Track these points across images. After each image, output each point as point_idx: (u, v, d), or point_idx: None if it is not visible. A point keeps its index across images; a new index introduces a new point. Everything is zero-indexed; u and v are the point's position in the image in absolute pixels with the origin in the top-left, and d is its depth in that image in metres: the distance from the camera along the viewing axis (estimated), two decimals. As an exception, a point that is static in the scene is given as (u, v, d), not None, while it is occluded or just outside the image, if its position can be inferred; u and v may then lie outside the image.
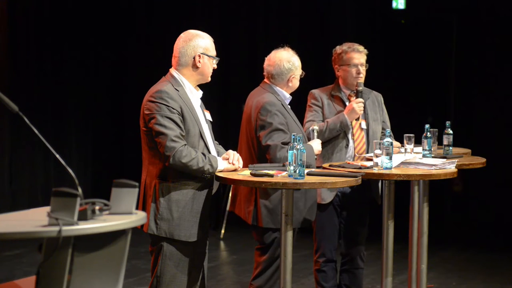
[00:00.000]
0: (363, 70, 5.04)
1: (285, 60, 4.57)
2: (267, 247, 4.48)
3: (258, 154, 4.48)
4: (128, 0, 9.56)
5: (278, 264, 4.41)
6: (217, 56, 4.13)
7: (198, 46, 4.06)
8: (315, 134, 4.76)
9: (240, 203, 4.53)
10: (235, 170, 4.09)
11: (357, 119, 4.99)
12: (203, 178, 3.99)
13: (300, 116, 4.82)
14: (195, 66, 4.07)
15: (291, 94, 4.66)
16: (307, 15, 9.07)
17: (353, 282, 5.10)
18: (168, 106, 3.93)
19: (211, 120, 4.25)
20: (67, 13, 8.96)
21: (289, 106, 4.61)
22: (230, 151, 4.15)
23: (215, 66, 4.14)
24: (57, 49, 8.86)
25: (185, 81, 4.08)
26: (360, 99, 4.98)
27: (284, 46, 4.66)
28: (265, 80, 4.65)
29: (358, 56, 5.03)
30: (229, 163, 4.08)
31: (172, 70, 4.12)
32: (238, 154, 4.14)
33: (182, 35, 4.12)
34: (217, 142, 4.32)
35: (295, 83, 4.63)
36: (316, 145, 4.63)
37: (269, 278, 4.49)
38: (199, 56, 4.06)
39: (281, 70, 4.57)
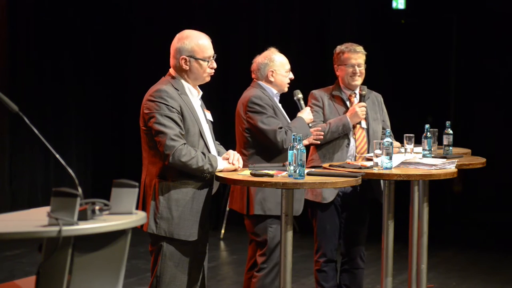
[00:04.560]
0: (359, 70, 5.04)
1: (262, 57, 4.80)
2: (262, 243, 4.58)
3: (247, 147, 4.61)
4: (128, 1, 9.56)
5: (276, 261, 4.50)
6: (216, 56, 4.10)
7: (183, 49, 4.04)
8: (302, 102, 4.91)
9: (236, 198, 4.65)
10: (235, 170, 4.09)
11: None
12: (203, 177, 3.99)
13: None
14: (183, 69, 4.06)
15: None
16: (307, 15, 9.07)
17: (353, 282, 5.10)
18: (168, 105, 3.93)
19: (211, 120, 4.24)
20: (67, 13, 8.95)
21: (279, 104, 4.72)
22: (230, 151, 4.15)
23: (214, 65, 4.11)
24: (57, 49, 8.85)
25: (183, 81, 4.08)
26: (363, 103, 5.00)
27: (270, 48, 4.83)
28: (253, 78, 4.85)
29: (355, 56, 5.04)
30: (229, 163, 4.07)
31: (171, 70, 4.11)
32: (238, 154, 4.14)
33: (177, 35, 4.12)
34: (218, 142, 4.32)
35: (278, 79, 4.75)
36: (306, 114, 4.79)
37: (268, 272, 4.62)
38: (184, 59, 4.04)
39: (258, 66, 4.79)
